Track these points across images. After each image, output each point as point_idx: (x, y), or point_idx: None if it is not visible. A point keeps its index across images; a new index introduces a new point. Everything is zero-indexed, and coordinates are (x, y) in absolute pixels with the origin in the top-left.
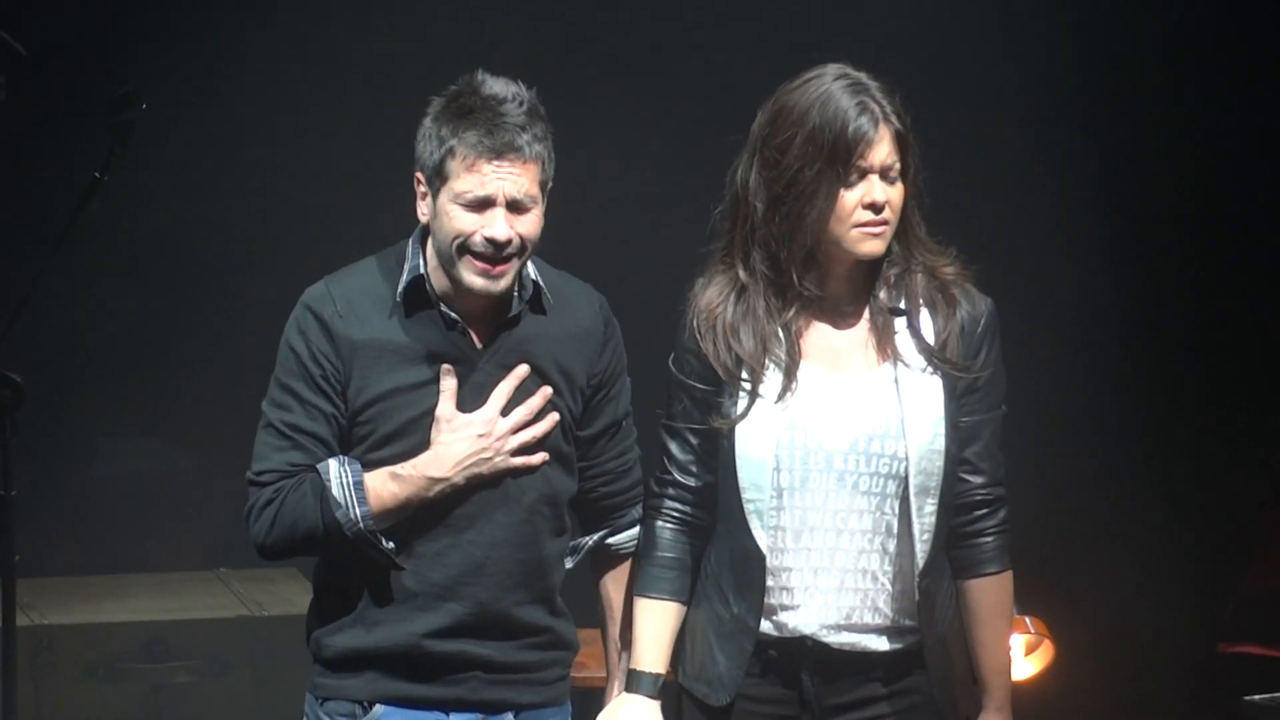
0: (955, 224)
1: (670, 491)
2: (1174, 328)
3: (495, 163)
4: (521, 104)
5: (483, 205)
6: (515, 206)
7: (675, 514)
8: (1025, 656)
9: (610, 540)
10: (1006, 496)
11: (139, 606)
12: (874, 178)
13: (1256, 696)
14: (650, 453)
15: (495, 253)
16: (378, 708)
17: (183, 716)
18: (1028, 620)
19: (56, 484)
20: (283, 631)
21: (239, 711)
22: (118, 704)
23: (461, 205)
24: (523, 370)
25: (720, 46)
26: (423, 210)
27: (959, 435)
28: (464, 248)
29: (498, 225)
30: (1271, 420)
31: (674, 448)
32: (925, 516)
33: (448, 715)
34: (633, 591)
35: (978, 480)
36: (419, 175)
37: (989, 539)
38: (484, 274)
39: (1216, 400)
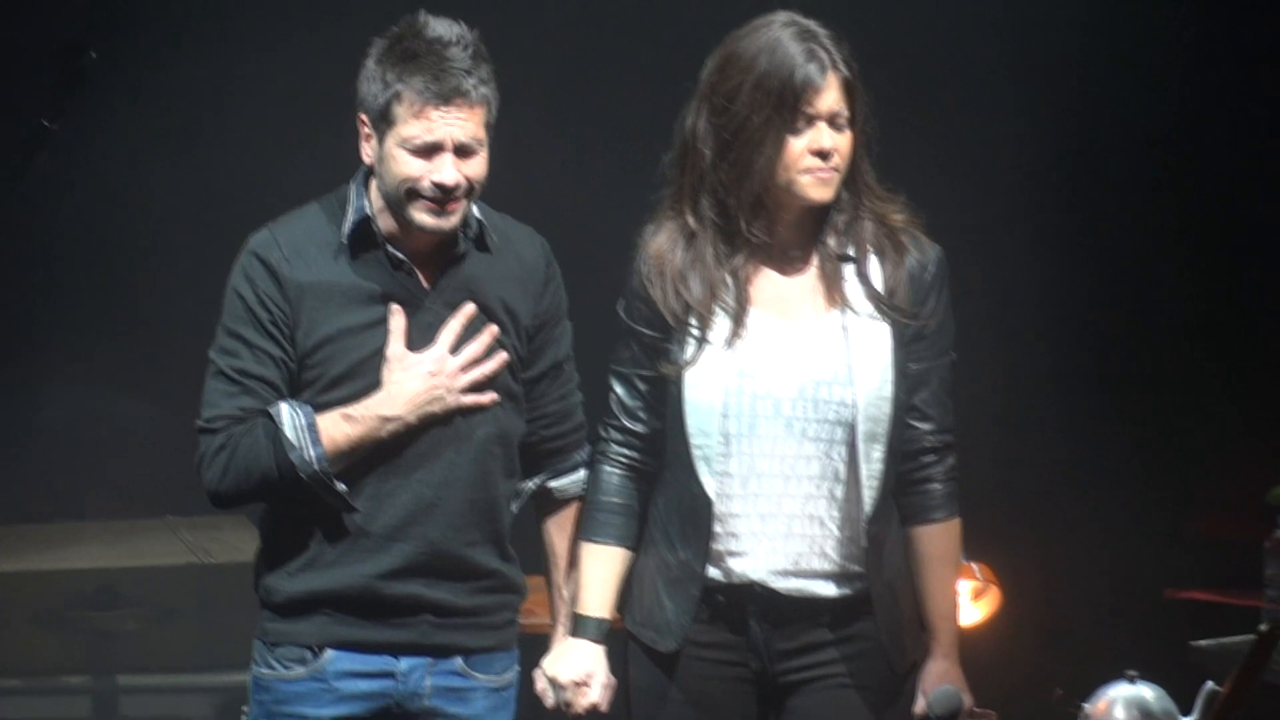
0: (916, 182)
1: (618, 437)
2: (1129, 280)
3: (443, 109)
4: (466, 47)
5: (430, 151)
6: (462, 150)
7: (623, 459)
8: (972, 602)
9: (552, 484)
10: (955, 444)
11: (86, 554)
12: (822, 124)
13: (1203, 641)
14: (596, 399)
15: (444, 196)
16: (328, 652)
17: (131, 663)
18: (975, 566)
19: (3, 431)
20: (231, 579)
21: (187, 658)
22: (66, 651)
23: (409, 150)
24: (470, 309)
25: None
26: (367, 152)
27: (907, 382)
28: (413, 192)
29: (446, 170)
30: (1220, 370)
31: (622, 393)
32: (873, 463)
33: (397, 659)
34: (579, 536)
35: (926, 427)
36: (363, 116)
37: (937, 485)
38: (433, 213)
39: (1166, 348)
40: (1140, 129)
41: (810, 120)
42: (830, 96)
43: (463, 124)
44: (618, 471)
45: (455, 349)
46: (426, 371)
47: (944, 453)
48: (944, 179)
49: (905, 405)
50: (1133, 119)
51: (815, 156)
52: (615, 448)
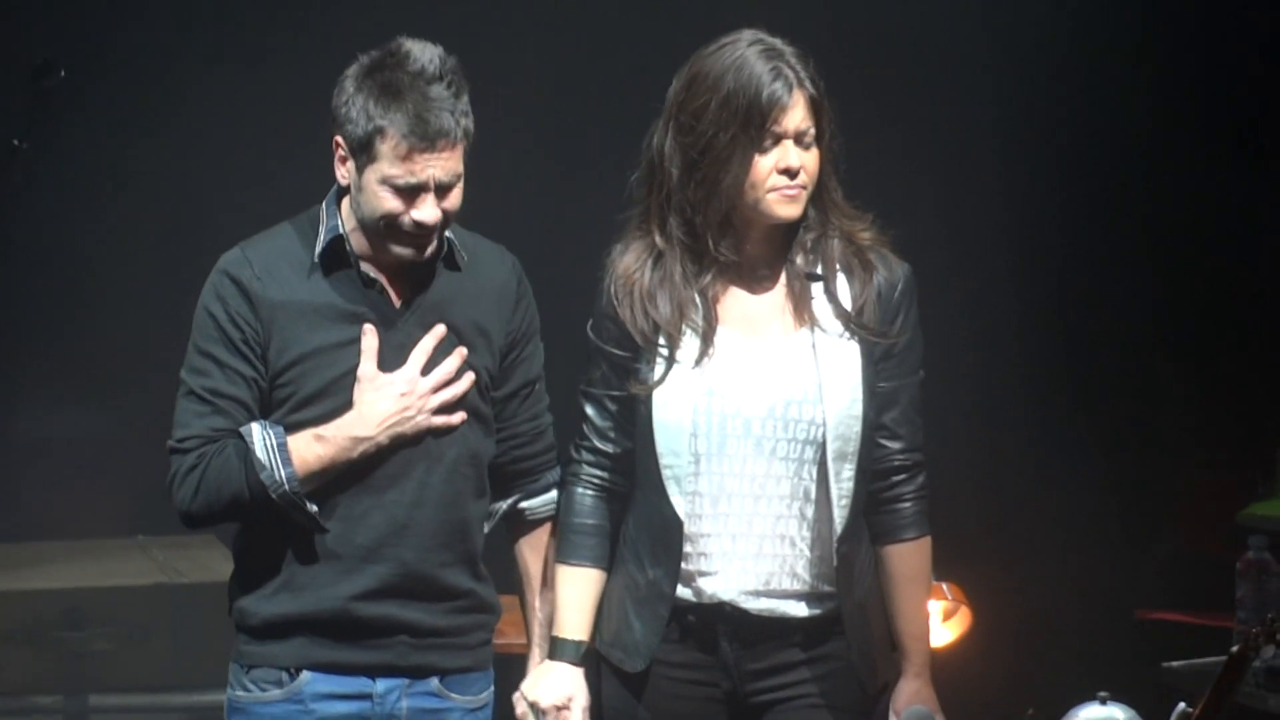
0: (891, 195)
1: (589, 458)
2: (1099, 297)
3: (427, 153)
4: (449, 82)
5: (413, 191)
6: (442, 188)
7: (595, 480)
8: (943, 623)
9: (524, 505)
10: (924, 462)
11: (57, 574)
12: (788, 143)
13: (1175, 663)
14: (567, 420)
15: (423, 232)
16: (304, 674)
17: (102, 684)
18: (945, 586)
19: None
20: (202, 598)
21: (159, 678)
22: (37, 671)
23: (390, 189)
24: (440, 330)
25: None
26: (342, 174)
27: (876, 401)
28: (392, 227)
29: (427, 210)
30: (1192, 390)
31: (593, 414)
32: (843, 482)
33: (374, 681)
34: (554, 558)
35: (895, 446)
36: (339, 139)
37: (907, 504)
38: (412, 245)
39: (1138, 368)
40: (1118, 137)
41: (777, 139)
42: (797, 114)
43: (444, 163)
44: (590, 493)
45: (426, 369)
46: (398, 392)
47: (914, 471)
48: (918, 191)
49: (874, 424)
50: (1111, 126)
51: (782, 175)
52: (587, 469)
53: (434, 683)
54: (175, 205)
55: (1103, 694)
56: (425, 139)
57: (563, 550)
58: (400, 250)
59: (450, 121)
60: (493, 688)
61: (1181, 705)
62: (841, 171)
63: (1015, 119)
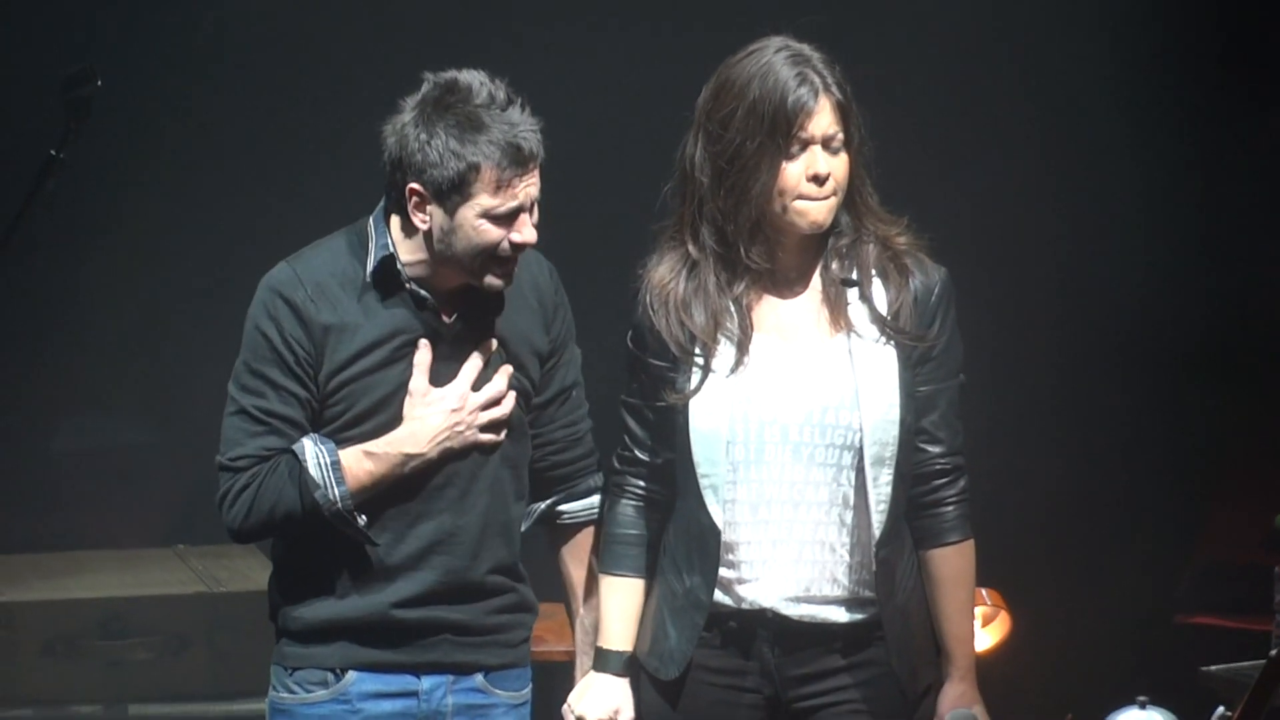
0: (923, 198)
1: (630, 469)
2: (1138, 304)
3: (524, 177)
4: (523, 105)
5: (512, 215)
6: (533, 206)
7: (636, 490)
8: (982, 628)
9: (562, 507)
10: (965, 465)
11: (97, 583)
12: (816, 149)
13: (1213, 667)
14: (605, 428)
15: (518, 254)
16: (350, 674)
17: (141, 693)
18: (984, 592)
19: (14, 460)
20: (240, 607)
21: (197, 687)
22: (76, 680)
23: (491, 220)
24: (491, 345)
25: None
26: (421, 219)
27: (915, 405)
28: (491, 257)
29: (527, 230)
30: (1232, 395)
31: (633, 424)
32: (881, 487)
33: (419, 678)
34: (598, 569)
35: (936, 450)
36: (416, 186)
37: (949, 508)
38: (504, 275)
39: (1175, 372)
40: (1164, 143)
41: (804, 145)
42: (824, 120)
43: (536, 182)
44: (632, 503)
45: (476, 385)
46: (449, 408)
47: (955, 475)
48: (950, 195)
49: (913, 428)
50: (1156, 132)
51: (811, 181)
52: (629, 479)
53: (478, 678)
54: (213, 216)
55: (1142, 698)
56: (520, 164)
57: (605, 561)
58: (493, 280)
59: (537, 142)
60: (531, 685)
61: (1220, 709)
62: (875, 176)
63: (1053, 123)
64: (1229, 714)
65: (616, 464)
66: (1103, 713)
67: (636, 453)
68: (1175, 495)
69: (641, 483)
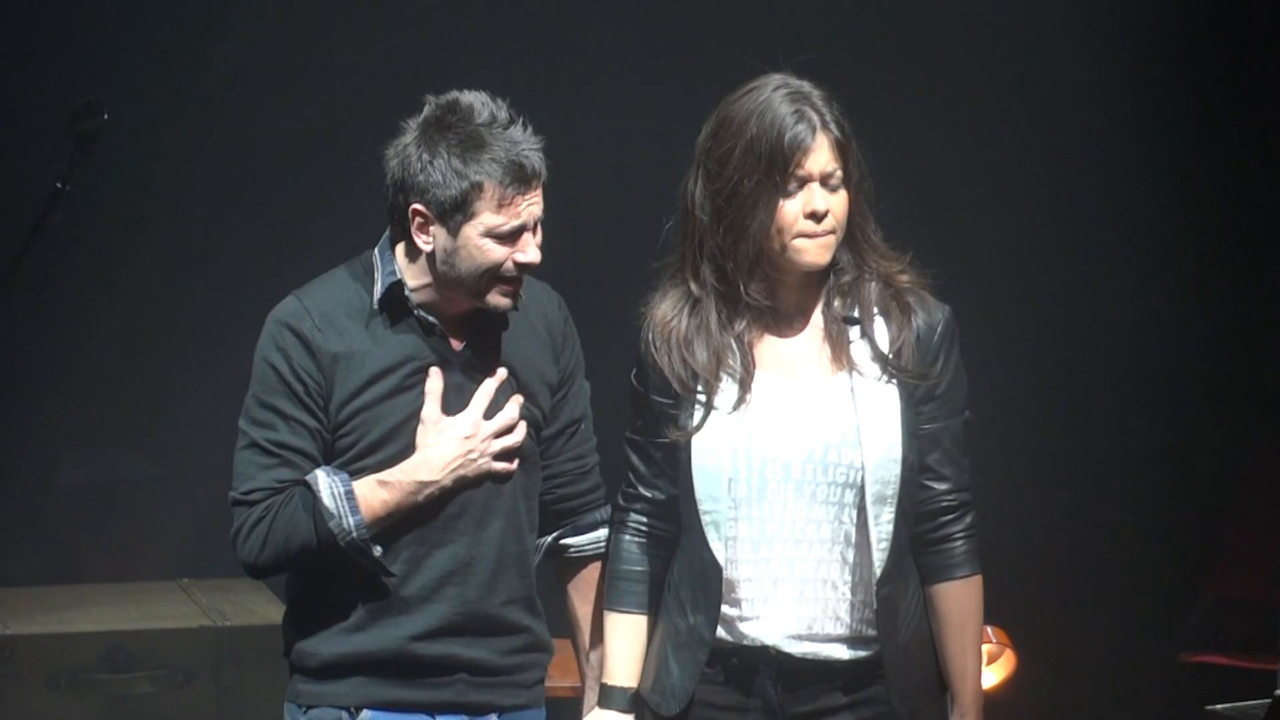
0: (920, 226)
1: (635, 505)
2: (1138, 336)
3: (526, 195)
4: (522, 123)
5: (516, 234)
6: (535, 227)
7: (641, 527)
8: (987, 666)
9: (568, 541)
10: (972, 501)
11: (101, 616)
12: (814, 186)
13: (1220, 706)
14: (612, 463)
15: (521, 277)
16: (365, 713)
17: None
18: (989, 630)
19: (19, 493)
20: (245, 641)
21: None
22: (80, 714)
23: (494, 239)
24: (502, 374)
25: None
26: (424, 240)
27: (919, 443)
28: (495, 277)
29: (530, 250)
30: (1235, 429)
31: (637, 461)
32: (882, 525)
33: (434, 718)
34: (603, 605)
35: (941, 487)
36: (419, 207)
37: (957, 544)
38: (509, 294)
39: (1181, 408)
40: (1156, 172)
41: (802, 182)
42: (821, 157)
43: (539, 200)
44: (637, 540)
45: (487, 413)
46: (462, 435)
47: (962, 511)
48: (948, 231)
49: (915, 466)
50: (1150, 161)
51: (809, 219)
52: (634, 516)
53: (493, 719)
54: (220, 249)
55: None
56: (523, 182)
57: (610, 597)
58: (498, 301)
59: (539, 160)
60: None
61: None
62: (877, 213)
63: (1050, 155)
64: None
65: (621, 500)
66: None
67: (641, 489)
68: (1182, 532)
69: (646, 519)
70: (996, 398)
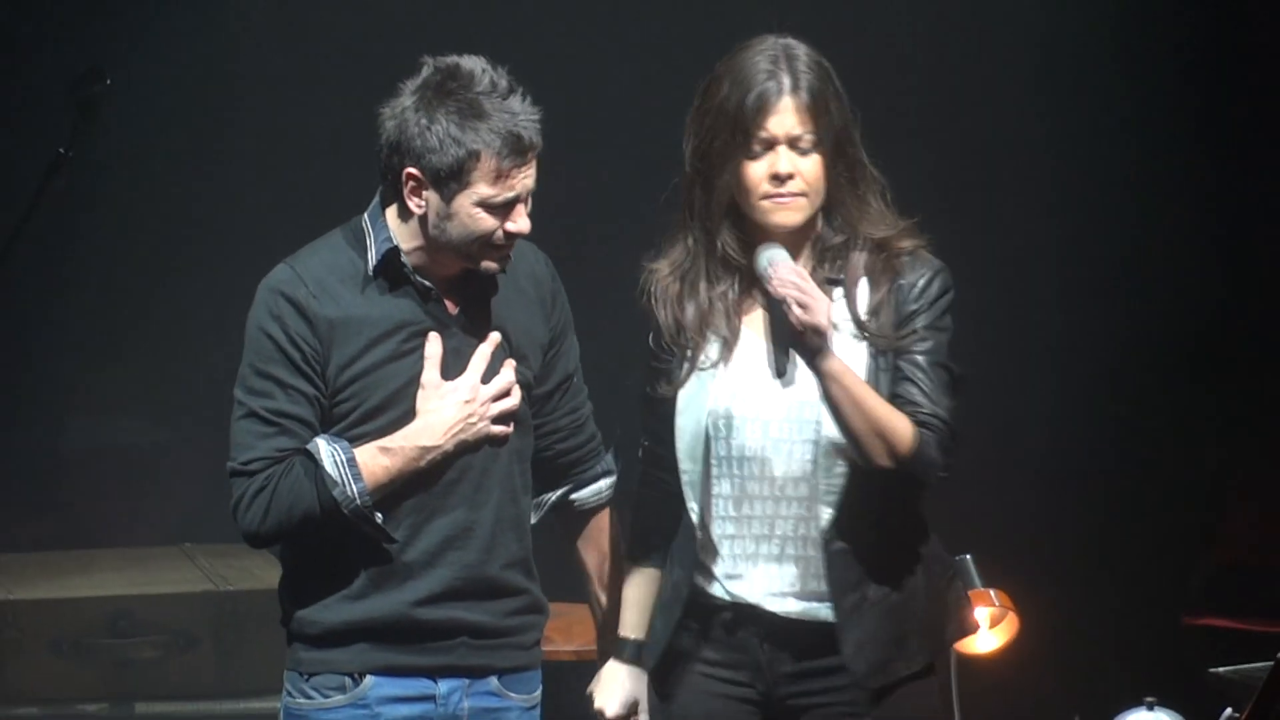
0: (920, 203)
1: (649, 458)
2: (1143, 306)
3: (522, 168)
4: (523, 94)
5: (509, 205)
6: (527, 197)
7: (655, 480)
8: (990, 629)
9: (574, 496)
10: (945, 428)
11: (104, 581)
12: (781, 148)
13: (1222, 668)
14: (601, 421)
15: (512, 242)
16: (369, 679)
17: (148, 691)
18: (992, 593)
19: (22, 459)
20: (248, 605)
21: (205, 686)
22: (83, 679)
23: (487, 209)
24: (496, 337)
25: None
26: (417, 204)
27: (888, 378)
28: (486, 244)
29: (522, 221)
30: (1240, 395)
31: (648, 417)
32: (835, 477)
33: (436, 682)
34: (625, 558)
35: (909, 409)
36: (414, 171)
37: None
38: (500, 259)
39: (1185, 375)
40: (1169, 156)
41: (767, 144)
42: (787, 120)
43: (533, 172)
44: (653, 492)
45: (483, 378)
46: (462, 399)
47: (927, 427)
48: (958, 204)
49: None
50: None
51: (773, 181)
52: (648, 469)
53: (493, 682)
54: (221, 216)
55: (1149, 699)
56: (519, 154)
57: (631, 551)
58: (489, 265)
59: (536, 132)
60: (541, 687)
61: (1228, 711)
62: (877, 181)
63: (1063, 135)
64: (1237, 715)
65: (641, 456)
66: (1110, 713)
67: (652, 444)
68: (1185, 495)
69: (661, 474)
70: (999, 362)
